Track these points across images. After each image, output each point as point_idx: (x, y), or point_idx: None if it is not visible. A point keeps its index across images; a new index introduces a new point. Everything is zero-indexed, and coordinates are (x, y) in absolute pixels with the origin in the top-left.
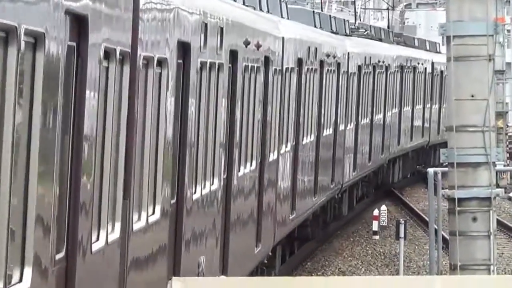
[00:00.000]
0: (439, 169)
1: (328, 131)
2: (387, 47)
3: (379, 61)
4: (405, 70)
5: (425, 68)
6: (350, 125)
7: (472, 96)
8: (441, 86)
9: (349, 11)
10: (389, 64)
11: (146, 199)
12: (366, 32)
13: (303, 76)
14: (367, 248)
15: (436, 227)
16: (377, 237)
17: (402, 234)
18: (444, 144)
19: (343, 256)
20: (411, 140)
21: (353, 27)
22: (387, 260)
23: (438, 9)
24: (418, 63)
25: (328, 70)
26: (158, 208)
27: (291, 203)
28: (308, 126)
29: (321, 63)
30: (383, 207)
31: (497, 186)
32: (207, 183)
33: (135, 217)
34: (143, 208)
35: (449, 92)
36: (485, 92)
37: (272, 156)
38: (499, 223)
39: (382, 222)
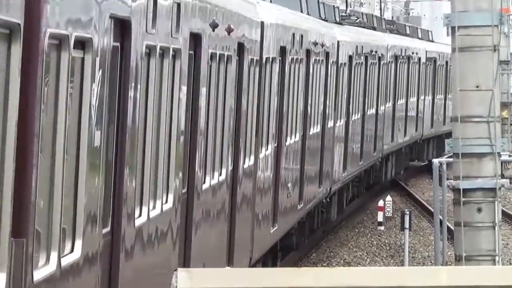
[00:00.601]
0: (444, 160)
1: (315, 129)
2: (380, 35)
3: (371, 51)
4: (400, 61)
5: (419, 58)
6: (340, 121)
7: (477, 86)
8: (434, 77)
9: (354, 2)
10: (382, 54)
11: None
12: (358, 20)
13: (286, 66)
14: (372, 239)
15: (441, 218)
16: (382, 227)
17: (407, 225)
18: (437, 138)
19: (348, 247)
20: (405, 135)
21: (344, 14)
22: (392, 251)
23: None
24: (413, 53)
25: (315, 60)
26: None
27: (272, 219)
28: (293, 124)
29: (308, 52)
30: (388, 198)
31: (502, 176)
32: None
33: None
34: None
35: (454, 82)
36: (490, 83)
37: (248, 162)
38: (504, 213)
39: (387, 213)
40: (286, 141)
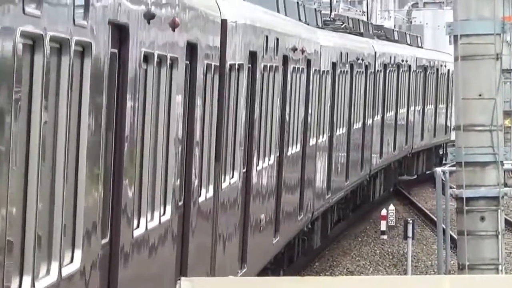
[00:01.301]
0: (446, 169)
1: (294, 148)
2: (368, 42)
3: (357, 59)
4: (389, 69)
5: (409, 66)
6: (323, 137)
7: (480, 95)
8: (425, 86)
9: (356, 11)
10: (369, 62)
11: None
12: (343, 25)
13: (258, 75)
14: (375, 248)
15: (444, 227)
16: (385, 236)
17: (410, 234)
18: (427, 150)
19: (351, 256)
20: (394, 150)
21: (327, 19)
22: (395, 260)
23: (445, 8)
24: (402, 61)
25: (294, 68)
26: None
27: (241, 259)
28: (266, 145)
29: (285, 59)
30: (391, 207)
31: (505, 185)
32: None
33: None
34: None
35: (456, 91)
36: (493, 91)
37: (206, 194)
38: (507, 222)
39: (390, 222)
40: (257, 165)
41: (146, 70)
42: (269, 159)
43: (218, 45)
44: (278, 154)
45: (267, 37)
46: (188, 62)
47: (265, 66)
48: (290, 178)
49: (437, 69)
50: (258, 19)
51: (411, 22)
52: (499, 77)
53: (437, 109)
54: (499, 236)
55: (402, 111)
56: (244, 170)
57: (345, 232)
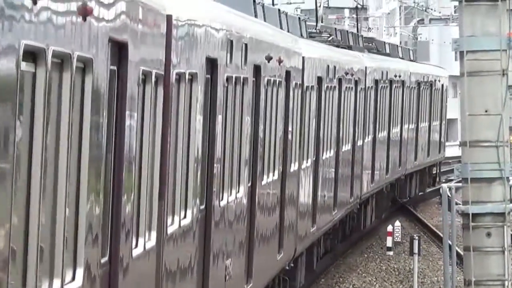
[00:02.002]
0: (453, 185)
1: (271, 177)
2: (357, 55)
3: (346, 73)
4: (381, 85)
5: (403, 82)
6: (307, 162)
7: (486, 111)
8: (418, 102)
9: (362, 27)
10: (359, 78)
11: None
12: (331, 38)
13: (219, 88)
14: (381, 264)
15: (450, 243)
16: (391, 253)
17: (416, 250)
18: (420, 171)
19: (357, 272)
20: (387, 173)
21: (313, 30)
22: (401, 276)
23: (451, 24)
24: (395, 76)
25: (269, 81)
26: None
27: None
28: (233, 175)
29: (257, 69)
30: (397, 223)
31: (511, 201)
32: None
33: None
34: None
35: (462, 107)
36: (499, 107)
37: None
38: None
39: (396, 238)
40: (220, 201)
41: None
42: (238, 192)
43: (159, 50)
44: (250, 184)
45: (231, 42)
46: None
47: (229, 78)
48: (266, 212)
49: (431, 84)
50: (218, 18)
51: (417, 39)
52: (505, 93)
53: (431, 126)
54: (505, 252)
55: (395, 130)
56: (204, 206)
57: (351, 249)
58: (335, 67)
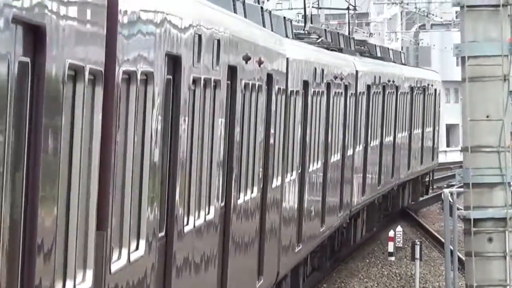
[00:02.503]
0: (454, 190)
1: (249, 195)
2: (348, 58)
3: (335, 78)
4: (373, 91)
5: (397, 87)
6: (291, 175)
7: (487, 116)
8: (411, 108)
9: (364, 32)
10: (349, 83)
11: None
12: (320, 40)
13: (183, 89)
14: (383, 269)
15: (452, 248)
16: (392, 258)
17: (417, 255)
18: (413, 180)
19: (358, 278)
20: (379, 184)
21: (301, 31)
22: (403, 282)
23: (452, 30)
24: (389, 81)
25: (246, 85)
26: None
27: None
28: (205, 193)
29: (232, 71)
30: (399, 228)
31: None
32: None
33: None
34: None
35: (464, 112)
36: (500, 112)
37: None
38: None
39: (398, 243)
40: (184, 226)
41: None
42: (207, 212)
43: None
44: (223, 203)
45: (199, 36)
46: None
47: (196, 80)
48: (241, 237)
49: (424, 89)
50: (182, 9)
51: (418, 44)
52: (506, 98)
53: (424, 133)
54: (507, 257)
55: (388, 139)
56: (163, 234)
57: (353, 254)
58: (323, 70)
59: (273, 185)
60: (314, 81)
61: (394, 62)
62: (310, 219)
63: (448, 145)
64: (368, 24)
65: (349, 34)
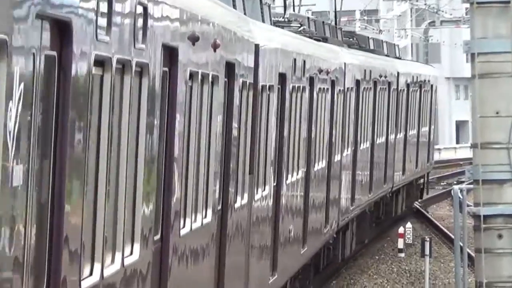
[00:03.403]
0: (464, 186)
1: (199, 221)
2: (334, 50)
3: (320, 71)
4: (363, 87)
5: (389, 83)
6: (263, 190)
7: (497, 113)
8: (407, 107)
9: (373, 29)
10: (337, 77)
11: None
12: (301, 28)
13: (73, 77)
14: (393, 266)
15: (462, 244)
16: (402, 254)
17: (427, 252)
18: (407, 185)
19: (368, 274)
20: (370, 191)
21: (280, 19)
22: (412, 278)
23: (462, 26)
24: (380, 76)
25: (194, 74)
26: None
27: None
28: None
29: (171, 54)
30: (408, 225)
31: None
32: None
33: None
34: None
35: (473, 109)
36: (510, 109)
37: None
38: None
39: (408, 240)
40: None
41: None
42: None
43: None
44: (157, 239)
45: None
46: None
47: (105, 60)
48: (193, 270)
49: (420, 86)
50: None
51: (428, 41)
52: None
53: (420, 133)
54: None
55: (380, 141)
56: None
57: (363, 250)
58: (304, 62)
59: (237, 205)
60: (294, 75)
61: (388, 56)
62: (289, 238)
63: (458, 142)
64: (377, 21)
65: (336, 24)
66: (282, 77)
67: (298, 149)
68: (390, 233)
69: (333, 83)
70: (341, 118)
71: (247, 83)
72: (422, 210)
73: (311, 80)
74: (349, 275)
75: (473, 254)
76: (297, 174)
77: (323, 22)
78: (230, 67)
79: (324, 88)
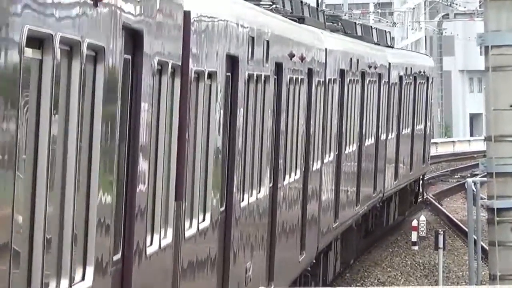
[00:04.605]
0: (478, 179)
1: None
2: (313, 32)
3: (292, 57)
4: (348, 78)
5: (379, 75)
6: (202, 221)
7: (511, 106)
8: (400, 102)
9: (387, 22)
10: (315, 66)
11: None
12: (273, 6)
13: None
14: (406, 259)
15: (475, 237)
16: (416, 247)
17: (441, 245)
18: (400, 191)
19: (382, 267)
20: (358, 203)
21: None
22: (426, 271)
23: (476, 19)
24: (370, 66)
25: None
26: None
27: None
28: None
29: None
30: (422, 218)
31: None
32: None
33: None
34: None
35: (487, 102)
36: None
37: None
38: None
39: (421, 233)
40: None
41: None
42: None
43: None
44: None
45: None
46: None
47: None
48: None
49: (415, 77)
50: None
51: (441, 33)
52: None
53: (414, 131)
54: None
55: (369, 142)
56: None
57: (376, 243)
58: (267, 43)
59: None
60: (252, 58)
61: (378, 44)
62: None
63: (471, 134)
64: (391, 13)
65: (317, 5)
66: (233, 61)
67: (266, 148)
68: (404, 226)
69: (310, 73)
70: (321, 116)
71: (172, 67)
72: (436, 203)
73: (279, 68)
74: (363, 268)
75: (487, 247)
76: (262, 190)
77: (301, 1)
78: (135, 41)
79: (297, 79)
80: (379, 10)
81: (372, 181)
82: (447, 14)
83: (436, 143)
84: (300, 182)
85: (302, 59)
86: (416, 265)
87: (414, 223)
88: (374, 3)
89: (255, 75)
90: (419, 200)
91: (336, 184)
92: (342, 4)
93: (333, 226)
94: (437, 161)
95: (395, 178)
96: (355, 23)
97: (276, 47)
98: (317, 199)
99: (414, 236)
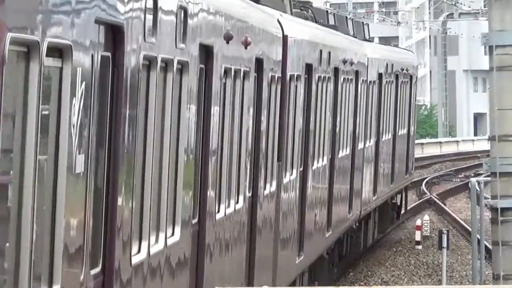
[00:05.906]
0: (481, 179)
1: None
2: (272, 16)
3: (228, 38)
4: (317, 75)
5: (356, 73)
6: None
7: None
8: (380, 104)
9: (391, 21)
10: (272, 61)
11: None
12: None
13: None
14: (410, 258)
15: (479, 237)
16: (419, 247)
17: (444, 244)
18: (379, 207)
19: (385, 266)
20: (328, 228)
21: None
22: (430, 270)
23: (480, 19)
24: (345, 62)
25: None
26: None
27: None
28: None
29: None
30: (426, 217)
31: None
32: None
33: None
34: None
35: (491, 101)
36: None
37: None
38: None
39: (425, 232)
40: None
41: None
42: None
43: None
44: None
45: None
46: None
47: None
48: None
49: (397, 76)
50: None
51: (446, 33)
52: None
53: (396, 137)
54: None
55: (343, 154)
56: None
57: (380, 242)
58: (202, 25)
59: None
60: (185, 42)
61: (355, 37)
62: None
63: (475, 134)
64: (396, 13)
65: None
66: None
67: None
68: (408, 226)
69: (260, 65)
70: (279, 124)
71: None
72: (439, 203)
73: (207, 52)
74: (367, 267)
75: (490, 247)
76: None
77: None
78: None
79: (239, 72)
80: (384, 9)
81: (347, 201)
82: (452, 14)
83: (440, 142)
84: (250, 210)
85: (246, 45)
86: (420, 264)
87: (418, 222)
88: (378, 2)
89: (175, 67)
90: (402, 213)
91: (301, 205)
92: (347, 3)
93: (296, 263)
94: (441, 161)
95: (374, 193)
96: (327, 11)
97: (217, 29)
98: (277, 230)
99: (417, 236)
